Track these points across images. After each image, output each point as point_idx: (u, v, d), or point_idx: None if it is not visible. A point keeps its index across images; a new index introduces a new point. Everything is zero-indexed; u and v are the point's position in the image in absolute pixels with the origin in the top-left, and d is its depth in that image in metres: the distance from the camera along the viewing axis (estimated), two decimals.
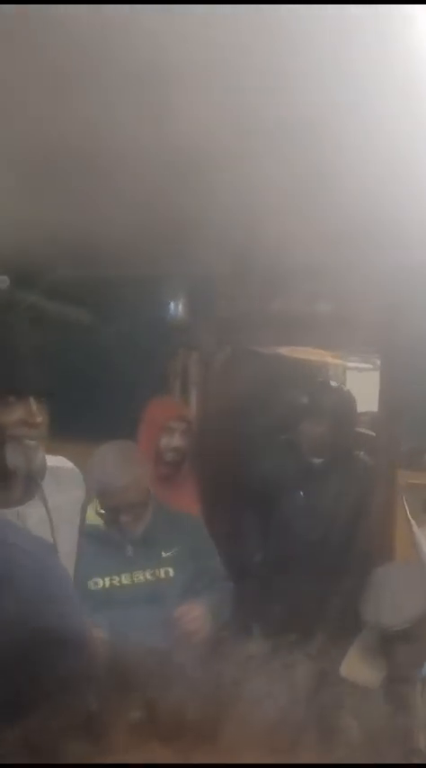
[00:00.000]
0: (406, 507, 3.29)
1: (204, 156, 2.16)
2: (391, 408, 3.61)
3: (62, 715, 0.40)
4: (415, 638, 2.39)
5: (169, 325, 3.93)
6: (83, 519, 2.42)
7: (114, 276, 3.95)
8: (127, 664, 0.43)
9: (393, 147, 1.94)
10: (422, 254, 2.81)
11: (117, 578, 2.57)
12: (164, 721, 0.38)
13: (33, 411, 1.51)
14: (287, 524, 3.43)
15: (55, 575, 1.16)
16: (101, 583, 2.55)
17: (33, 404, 1.52)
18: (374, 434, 3.90)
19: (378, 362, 4.15)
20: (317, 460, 3.46)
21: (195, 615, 2.45)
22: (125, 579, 2.58)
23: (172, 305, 3.91)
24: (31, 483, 1.57)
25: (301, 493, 3.45)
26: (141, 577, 2.59)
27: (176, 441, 3.11)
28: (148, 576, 2.60)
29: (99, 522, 2.60)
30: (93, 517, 2.61)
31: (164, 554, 2.63)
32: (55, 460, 1.86)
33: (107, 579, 2.56)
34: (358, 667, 2.42)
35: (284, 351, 4.51)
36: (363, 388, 4.47)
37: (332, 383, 4.25)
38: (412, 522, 3.18)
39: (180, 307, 3.90)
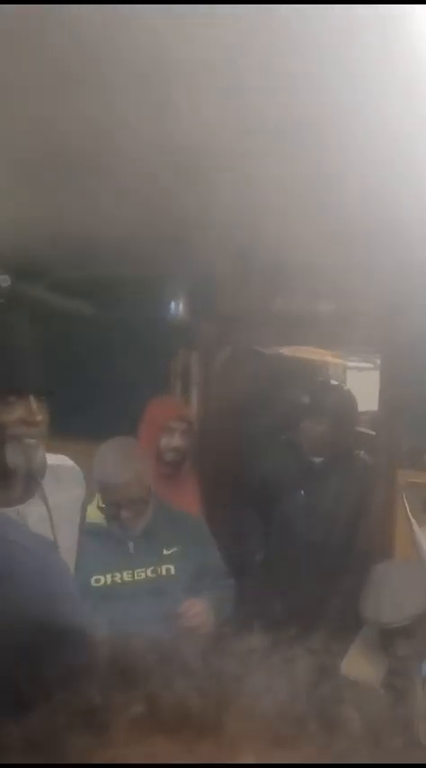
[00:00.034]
0: (406, 506, 3.29)
1: (206, 156, 2.16)
2: (391, 407, 3.61)
3: (64, 710, 0.40)
4: (415, 635, 2.40)
5: (170, 325, 3.93)
6: (83, 517, 2.42)
7: (115, 275, 3.95)
8: (128, 658, 0.43)
9: (395, 146, 1.94)
10: (423, 254, 2.81)
11: (118, 575, 2.58)
12: (166, 715, 0.38)
13: (33, 410, 1.51)
14: (287, 523, 3.43)
15: (55, 572, 1.17)
16: (102, 580, 2.56)
17: (33, 403, 1.52)
18: (374, 433, 3.90)
19: (378, 362, 4.15)
20: (318, 460, 3.46)
21: (198, 610, 2.45)
22: (126, 576, 2.59)
23: (172, 304, 3.91)
24: (32, 481, 1.57)
25: (302, 492, 3.46)
26: (142, 574, 2.60)
27: (176, 441, 3.11)
28: (150, 574, 2.61)
29: (100, 519, 2.61)
30: (95, 514, 2.62)
31: (165, 551, 2.64)
32: (55, 459, 1.86)
33: (109, 576, 2.57)
34: (358, 665, 2.42)
35: (285, 350, 4.52)
36: (363, 387, 4.47)
37: (333, 382, 4.25)
38: (413, 520, 3.19)
39: (180, 306, 3.90)
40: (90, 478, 2.47)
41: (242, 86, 1.72)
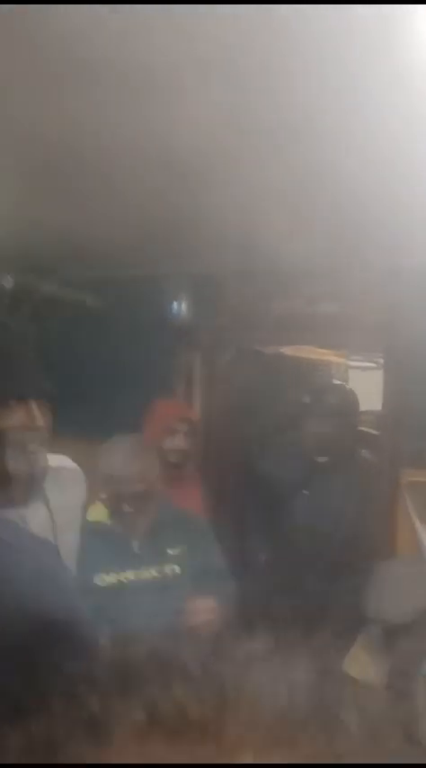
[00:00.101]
0: (409, 505, 3.29)
1: (207, 157, 2.16)
2: (394, 407, 3.60)
3: (64, 717, 0.40)
4: (417, 632, 2.40)
5: (173, 326, 3.93)
6: (84, 517, 2.42)
7: (117, 277, 3.95)
8: (129, 665, 0.43)
9: (394, 147, 1.93)
10: (424, 254, 2.81)
11: (123, 575, 2.58)
12: (166, 721, 0.38)
13: (35, 415, 1.50)
14: (291, 523, 3.43)
15: (55, 575, 1.16)
16: (107, 579, 2.56)
17: (35, 407, 1.51)
18: (377, 433, 3.90)
19: (382, 361, 4.14)
20: (321, 459, 3.45)
21: (206, 608, 2.45)
22: (131, 575, 2.59)
23: (175, 305, 3.90)
24: (33, 485, 1.56)
25: (305, 492, 3.45)
26: (147, 574, 2.60)
27: (180, 442, 3.11)
28: (155, 573, 2.61)
29: (105, 518, 2.61)
30: (100, 514, 2.62)
31: (170, 551, 2.64)
32: (57, 460, 1.86)
33: (113, 575, 2.57)
34: (361, 664, 2.42)
35: (288, 350, 4.51)
36: (367, 387, 4.47)
37: (336, 382, 4.24)
38: (416, 519, 3.18)
39: (183, 307, 3.90)
40: (91, 479, 2.47)
41: (240, 87, 1.72)
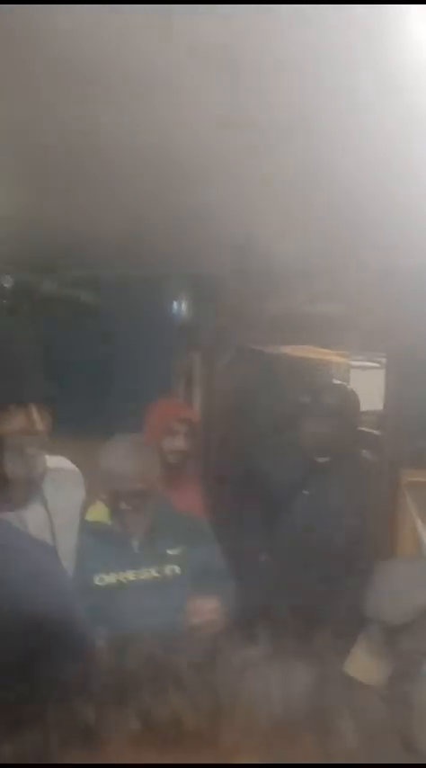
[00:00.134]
0: (410, 505, 3.28)
1: (204, 157, 2.16)
2: (396, 407, 3.60)
3: (58, 727, 0.40)
4: (418, 633, 2.39)
5: (173, 326, 3.92)
6: (83, 518, 2.42)
7: (117, 277, 3.95)
8: (125, 673, 0.42)
9: (391, 147, 1.93)
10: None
11: (123, 575, 2.58)
12: (162, 731, 0.38)
13: (34, 419, 1.50)
14: (291, 524, 3.42)
15: (52, 577, 1.16)
16: (107, 579, 2.56)
17: (34, 411, 1.51)
18: (378, 433, 3.89)
19: (384, 361, 4.14)
20: (322, 460, 3.45)
21: (208, 608, 2.45)
22: (131, 575, 2.59)
23: (174, 305, 3.90)
24: (32, 487, 1.56)
25: (305, 492, 3.45)
26: (147, 574, 2.60)
27: (179, 442, 3.11)
28: (154, 573, 2.60)
29: (105, 517, 2.61)
30: (101, 513, 2.62)
31: (169, 552, 2.64)
32: (55, 461, 1.86)
33: (113, 575, 2.57)
34: (362, 665, 2.42)
35: (288, 350, 4.50)
36: (368, 386, 4.46)
37: (336, 382, 4.24)
38: (417, 519, 3.18)
39: (182, 307, 3.89)
40: (90, 479, 2.47)
41: (238, 87, 1.71)
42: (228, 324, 3.82)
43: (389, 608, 2.44)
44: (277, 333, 3.91)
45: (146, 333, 3.93)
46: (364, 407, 3.80)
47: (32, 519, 1.66)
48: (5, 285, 3.79)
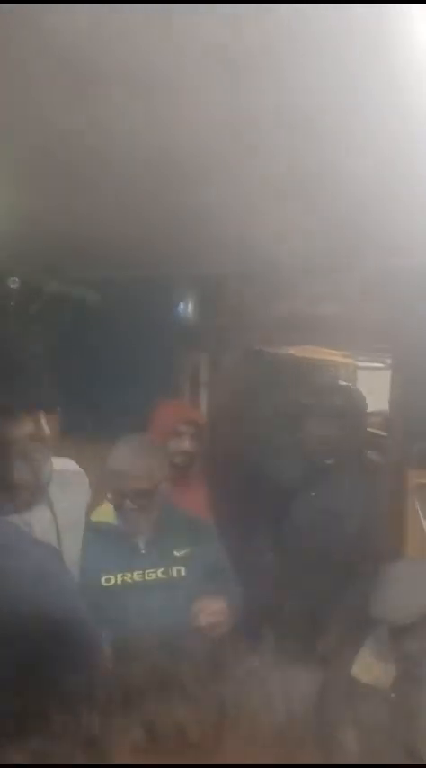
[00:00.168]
0: (417, 507, 3.27)
1: (207, 157, 2.16)
2: (402, 408, 3.59)
3: (63, 738, 0.40)
4: (423, 635, 2.38)
5: (176, 327, 3.92)
6: (88, 519, 2.42)
7: (120, 278, 3.95)
8: (129, 682, 0.42)
9: (395, 147, 1.92)
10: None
11: (129, 575, 2.58)
12: (165, 741, 0.38)
13: (42, 425, 1.49)
14: (298, 525, 3.42)
15: (57, 579, 1.16)
16: (113, 579, 2.56)
17: (43, 418, 1.50)
18: (385, 434, 3.88)
19: (390, 361, 4.13)
20: (328, 461, 3.44)
21: (215, 610, 2.45)
22: (137, 576, 2.59)
23: (180, 306, 3.90)
24: (38, 492, 1.56)
25: (312, 493, 3.44)
26: (153, 575, 2.60)
27: (185, 444, 3.10)
28: (160, 575, 2.61)
29: (111, 518, 2.62)
30: (107, 514, 2.62)
31: (176, 553, 2.64)
32: (61, 463, 1.85)
33: (119, 576, 2.57)
34: (369, 669, 2.41)
35: (294, 351, 4.50)
36: (376, 387, 4.45)
37: (343, 383, 4.23)
38: (424, 521, 3.17)
39: (186, 308, 3.89)
40: (95, 480, 2.47)
41: (240, 87, 1.71)
42: (232, 325, 3.82)
43: (395, 608, 2.44)
44: (280, 333, 3.90)
45: (150, 334, 3.94)
46: (371, 408, 3.79)
47: (38, 521, 1.66)
48: (12, 287, 3.80)
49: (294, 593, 3.22)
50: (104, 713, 0.40)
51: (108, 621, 2.17)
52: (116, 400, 3.79)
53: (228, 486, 3.57)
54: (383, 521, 3.44)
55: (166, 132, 1.99)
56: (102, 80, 1.73)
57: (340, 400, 3.48)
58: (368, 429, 3.80)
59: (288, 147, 2.04)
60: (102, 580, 2.55)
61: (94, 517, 2.62)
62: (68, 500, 1.86)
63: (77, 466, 2.05)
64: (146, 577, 2.60)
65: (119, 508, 2.61)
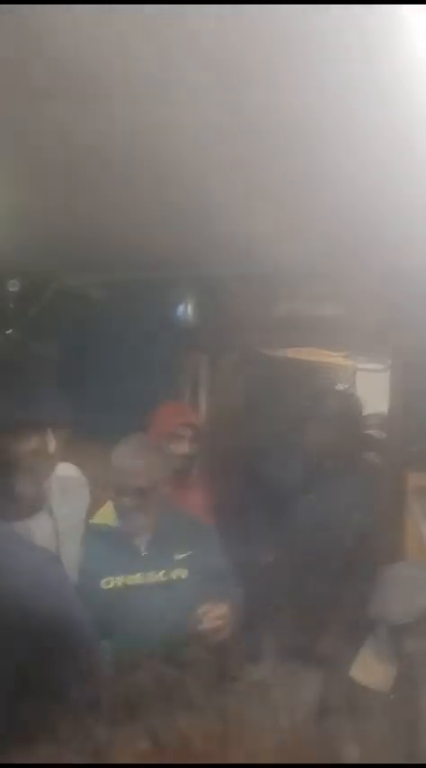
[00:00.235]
0: (416, 509, 3.27)
1: (207, 158, 2.15)
2: (401, 410, 3.58)
3: (68, 744, 0.39)
4: (422, 633, 2.39)
5: (177, 328, 3.92)
6: (87, 524, 2.42)
7: (121, 279, 3.95)
8: (132, 690, 0.41)
9: (395, 147, 1.92)
10: None
11: (130, 578, 2.58)
12: (169, 749, 0.37)
13: (48, 442, 1.47)
14: (297, 527, 3.41)
15: (56, 584, 1.15)
16: (113, 582, 2.56)
17: (50, 434, 1.47)
18: (384, 436, 3.88)
19: (389, 363, 4.12)
20: (327, 463, 3.44)
21: (218, 614, 2.45)
22: (138, 579, 2.59)
23: (180, 308, 3.90)
24: (39, 501, 1.54)
25: (311, 496, 3.44)
26: (154, 578, 2.60)
27: (184, 447, 3.11)
28: (161, 577, 2.60)
29: (112, 520, 2.62)
30: (108, 516, 2.62)
31: (177, 556, 2.64)
32: (61, 469, 1.84)
33: (120, 579, 2.57)
34: (368, 670, 2.41)
35: (293, 353, 4.50)
36: (374, 389, 4.45)
37: (341, 386, 4.23)
38: (422, 524, 3.16)
39: (186, 310, 3.89)
40: (93, 484, 2.47)
41: (241, 87, 1.71)
42: (231, 326, 3.82)
43: (393, 607, 2.45)
44: (282, 334, 3.90)
45: (149, 335, 3.93)
46: (370, 410, 3.78)
47: (38, 526, 1.65)
48: (12, 290, 3.79)
49: (293, 595, 3.21)
50: (104, 718, 0.39)
51: (108, 624, 2.17)
52: (116, 401, 3.78)
53: (228, 488, 3.57)
54: (382, 523, 3.43)
55: (166, 132, 1.98)
56: (102, 81, 1.73)
57: (336, 404, 3.50)
58: (367, 431, 3.80)
59: (288, 147, 2.04)
60: (102, 583, 2.55)
61: (95, 519, 2.62)
62: (69, 505, 1.85)
63: (78, 471, 2.04)
64: (147, 580, 2.60)
65: (119, 507, 2.61)
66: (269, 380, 4.12)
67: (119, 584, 2.58)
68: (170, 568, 2.63)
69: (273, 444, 3.75)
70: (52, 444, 1.47)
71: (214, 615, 2.43)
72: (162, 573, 2.62)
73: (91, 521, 2.62)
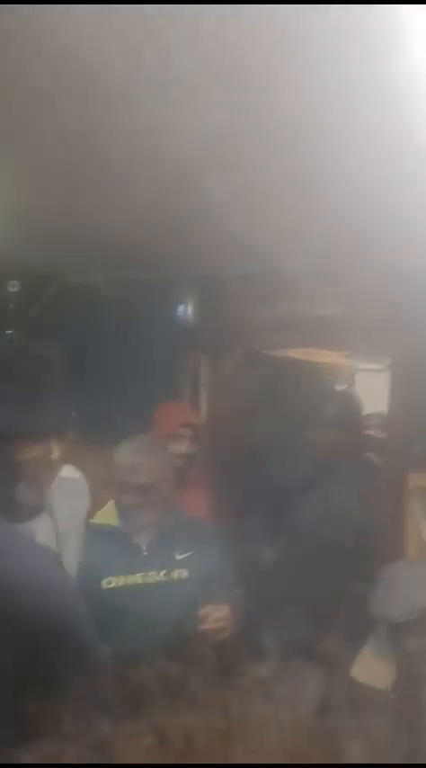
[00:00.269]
0: (416, 509, 3.27)
1: (207, 158, 2.15)
2: (401, 410, 3.58)
3: (73, 740, 0.39)
4: (423, 631, 2.39)
5: (178, 328, 3.92)
6: (87, 524, 2.42)
7: (121, 279, 3.95)
8: (135, 687, 0.41)
9: (395, 147, 1.92)
10: None
11: (131, 578, 2.58)
12: (174, 746, 0.37)
13: (52, 449, 1.46)
14: (297, 527, 3.42)
15: (56, 583, 1.16)
16: (114, 582, 2.56)
17: (54, 441, 1.47)
18: (384, 436, 3.88)
19: (389, 363, 4.12)
20: (328, 463, 3.44)
21: (220, 615, 2.45)
22: (139, 579, 2.59)
23: (181, 307, 3.89)
24: (40, 504, 1.54)
25: (311, 495, 3.44)
26: (155, 578, 2.60)
27: (184, 447, 3.11)
28: (162, 577, 2.60)
29: (114, 520, 2.62)
30: (108, 516, 2.63)
31: (178, 556, 2.64)
32: (62, 470, 1.84)
33: (121, 578, 2.57)
34: (369, 669, 2.41)
35: (293, 353, 4.49)
36: (374, 389, 4.45)
37: (342, 386, 4.23)
38: (422, 523, 3.16)
39: (186, 310, 3.89)
40: (93, 484, 2.47)
41: (241, 87, 1.71)
42: (232, 326, 3.82)
43: (393, 606, 2.45)
44: (282, 334, 3.90)
45: (149, 335, 3.93)
46: (370, 410, 3.78)
47: (39, 527, 1.65)
48: (12, 290, 3.79)
49: (294, 594, 3.22)
50: (108, 715, 0.39)
51: (109, 624, 2.17)
52: (116, 401, 3.78)
53: (228, 488, 3.57)
54: (382, 522, 3.44)
55: (166, 132, 1.98)
56: (102, 80, 1.73)
57: (336, 405, 3.50)
58: (367, 431, 3.80)
59: (288, 147, 2.04)
60: (103, 582, 2.55)
61: (96, 519, 2.62)
62: (69, 507, 1.85)
63: (79, 472, 2.04)
64: (148, 580, 2.60)
65: (120, 505, 2.61)
66: (269, 380, 4.12)
67: (120, 583, 2.58)
68: (171, 568, 2.62)
69: (273, 444, 3.75)
70: (56, 452, 1.47)
71: (215, 616, 2.44)
72: (163, 573, 2.62)
73: (92, 520, 2.62)
